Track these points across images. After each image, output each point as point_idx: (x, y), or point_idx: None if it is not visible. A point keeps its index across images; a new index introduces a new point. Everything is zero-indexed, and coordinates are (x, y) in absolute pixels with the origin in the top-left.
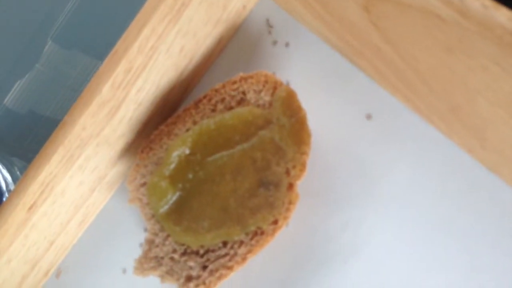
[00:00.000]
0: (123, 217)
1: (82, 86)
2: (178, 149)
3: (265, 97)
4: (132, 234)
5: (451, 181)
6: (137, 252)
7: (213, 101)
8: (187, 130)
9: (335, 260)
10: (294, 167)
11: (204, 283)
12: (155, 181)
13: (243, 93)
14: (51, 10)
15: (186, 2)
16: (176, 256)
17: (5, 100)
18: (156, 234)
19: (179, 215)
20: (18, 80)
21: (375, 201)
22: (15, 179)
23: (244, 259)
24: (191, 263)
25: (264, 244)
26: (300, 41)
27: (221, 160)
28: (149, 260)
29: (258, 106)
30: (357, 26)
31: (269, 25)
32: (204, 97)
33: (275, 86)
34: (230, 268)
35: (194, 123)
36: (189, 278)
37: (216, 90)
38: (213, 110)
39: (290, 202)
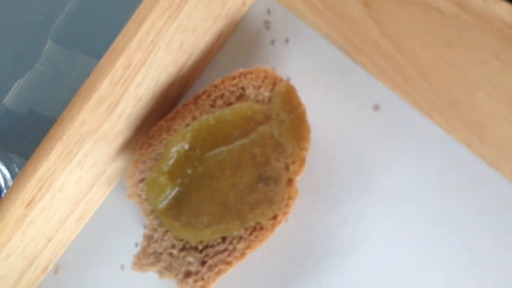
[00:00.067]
0: (122, 213)
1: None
2: (177, 144)
3: (265, 93)
4: (131, 230)
5: (451, 176)
6: (136, 248)
7: (212, 97)
8: (186, 125)
9: (335, 255)
10: (293, 162)
11: (202, 278)
12: (154, 177)
13: (243, 88)
14: (51, 10)
15: None
16: (175, 251)
17: (5, 99)
18: (155, 230)
19: (178, 210)
20: (18, 80)
21: (374, 197)
22: (13, 175)
23: (243, 254)
24: (190, 259)
25: (263, 240)
26: (299, 37)
27: (221, 155)
28: (147, 256)
29: (257, 101)
30: (357, 21)
31: (268, 21)
32: (204, 92)
33: (275, 81)
34: (229, 264)
35: (193, 118)
36: (187, 274)
37: (216, 86)
38: (213, 106)
39: (290, 198)
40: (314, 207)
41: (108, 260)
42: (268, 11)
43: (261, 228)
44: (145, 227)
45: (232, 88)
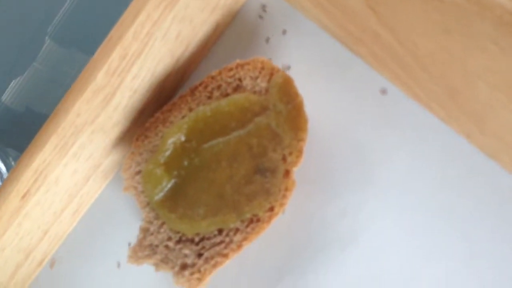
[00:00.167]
0: (118, 206)
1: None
2: (173, 136)
3: (262, 84)
4: (127, 223)
5: (450, 168)
6: (132, 241)
7: (209, 88)
8: (183, 117)
9: (333, 247)
10: (290, 153)
11: (199, 271)
12: (150, 168)
13: (240, 79)
14: (49, 9)
15: None
16: (171, 244)
17: (3, 97)
18: (151, 222)
19: (175, 202)
20: (16, 78)
21: (373, 188)
22: (9, 169)
23: (239, 246)
24: (186, 251)
25: (260, 232)
26: (296, 28)
27: (217, 147)
28: (143, 248)
29: (254, 92)
30: (355, 11)
31: (266, 12)
32: (200, 84)
33: (272, 72)
34: (225, 256)
35: (190, 110)
36: (184, 266)
37: (212, 77)
38: (209, 97)
39: (287, 189)
40: (311, 199)
41: (104, 254)
42: (266, 2)
43: (258, 220)
44: (141, 219)
45: (229, 79)
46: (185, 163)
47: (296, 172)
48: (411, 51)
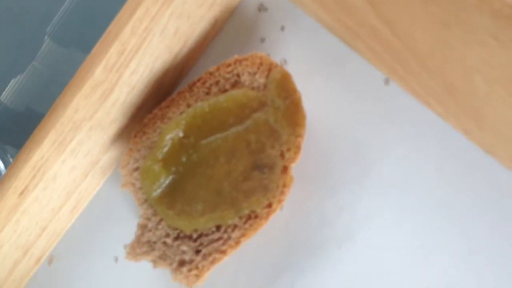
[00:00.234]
0: (116, 203)
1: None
2: (171, 132)
3: (260, 79)
4: (126, 220)
5: (448, 164)
6: (131, 238)
7: (207, 84)
8: (181, 113)
9: (330, 244)
10: (288, 149)
11: (197, 267)
12: (148, 165)
13: (238, 75)
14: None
15: None
16: (169, 240)
17: (2, 97)
18: (149, 219)
19: (172, 198)
20: (15, 78)
21: (371, 185)
22: (7, 166)
23: (237, 243)
24: (184, 248)
25: (258, 228)
26: (295, 24)
27: (215, 143)
28: (141, 245)
29: (252, 88)
30: (353, 6)
31: (264, 7)
32: (198, 80)
33: (270, 68)
34: (223, 252)
35: (188, 106)
36: (182, 263)
37: (211, 73)
38: (208, 93)
39: (285, 185)
40: (309, 195)
41: (102, 251)
42: None
43: (256, 217)
44: (139, 216)
45: (227, 75)
46: (183, 159)
47: (294, 168)
48: (409, 46)
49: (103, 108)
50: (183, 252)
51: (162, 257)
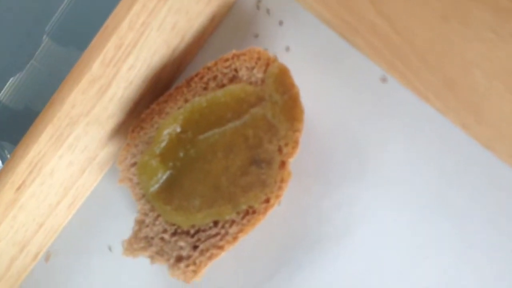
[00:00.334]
0: (114, 199)
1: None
2: (169, 127)
3: (258, 74)
4: (123, 216)
5: (446, 159)
6: (128, 234)
7: (205, 79)
8: (179, 108)
9: (328, 239)
10: (286, 144)
11: (194, 263)
12: (146, 160)
13: (236, 70)
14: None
15: None
16: (166, 236)
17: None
18: (146, 214)
19: (170, 194)
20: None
21: (369, 180)
22: (4, 162)
23: (235, 238)
24: (182, 243)
25: (255, 223)
26: (294, 19)
27: (213, 138)
28: (139, 241)
29: (250, 83)
30: (353, 1)
31: (262, 3)
32: (196, 75)
33: (268, 62)
34: (221, 248)
35: (186, 101)
36: (179, 259)
37: (208, 68)
38: (205, 88)
39: (282, 180)
40: (307, 190)
41: (99, 247)
42: None
43: (254, 212)
44: (137, 212)
45: (225, 70)
46: (181, 154)
47: (292, 163)
48: (408, 40)
49: (100, 103)
50: (181, 247)
51: (160, 253)
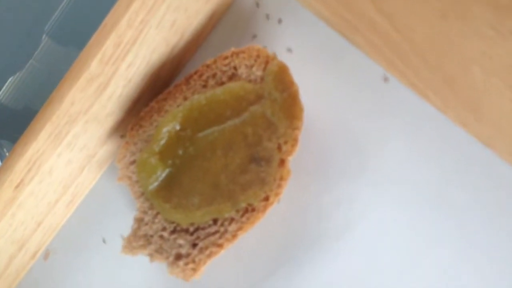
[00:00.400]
0: (113, 197)
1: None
2: (168, 124)
3: (257, 72)
4: (122, 214)
5: (446, 157)
6: (127, 232)
7: (204, 77)
8: (178, 106)
9: (328, 237)
10: (286, 142)
11: (193, 261)
12: (145, 157)
13: (235, 68)
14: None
15: None
16: (165, 234)
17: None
18: (145, 212)
19: (169, 191)
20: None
21: (369, 178)
22: (3, 160)
23: (234, 236)
24: (181, 241)
25: (255, 221)
26: (293, 17)
27: (212, 135)
28: (138, 239)
29: (249, 81)
30: None
31: (261, 0)
32: (195, 73)
33: (267, 60)
34: (220, 246)
35: (185, 99)
36: (178, 257)
37: (208, 66)
38: (204, 86)
39: (282, 178)
40: (307, 188)
41: (98, 245)
42: None
43: (253, 210)
44: (136, 210)
45: (224, 68)
46: (180, 152)
47: (292, 161)
48: (407, 38)
49: (99, 101)
50: (180, 245)
51: (159, 251)
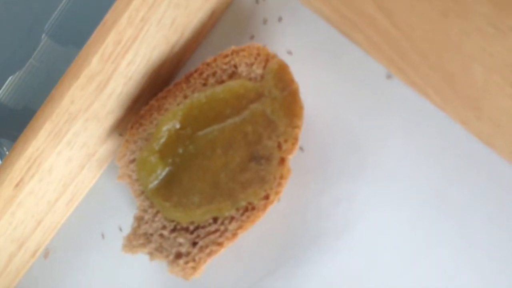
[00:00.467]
0: (113, 195)
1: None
2: (168, 123)
3: (257, 70)
4: (122, 213)
5: (446, 155)
6: (127, 231)
7: (204, 75)
8: (178, 104)
9: (328, 236)
10: (286, 141)
11: (193, 260)
12: (145, 156)
13: (235, 66)
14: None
15: None
16: (165, 232)
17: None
18: (145, 211)
19: (169, 190)
20: (13, 75)
21: (368, 176)
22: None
23: (234, 235)
24: (181, 240)
25: (255, 220)
26: (293, 14)
27: (212, 134)
28: (138, 237)
29: (249, 79)
30: None
31: None
32: (195, 71)
33: (267, 58)
34: (220, 245)
35: (185, 97)
36: (178, 255)
37: (208, 64)
38: (204, 84)
39: (282, 177)
40: (307, 187)
41: (98, 244)
42: None
43: (253, 208)
44: (136, 208)
45: (224, 66)
46: (180, 150)
47: (292, 159)
48: (407, 35)
49: (99, 100)
50: (180, 244)
51: (159, 250)
